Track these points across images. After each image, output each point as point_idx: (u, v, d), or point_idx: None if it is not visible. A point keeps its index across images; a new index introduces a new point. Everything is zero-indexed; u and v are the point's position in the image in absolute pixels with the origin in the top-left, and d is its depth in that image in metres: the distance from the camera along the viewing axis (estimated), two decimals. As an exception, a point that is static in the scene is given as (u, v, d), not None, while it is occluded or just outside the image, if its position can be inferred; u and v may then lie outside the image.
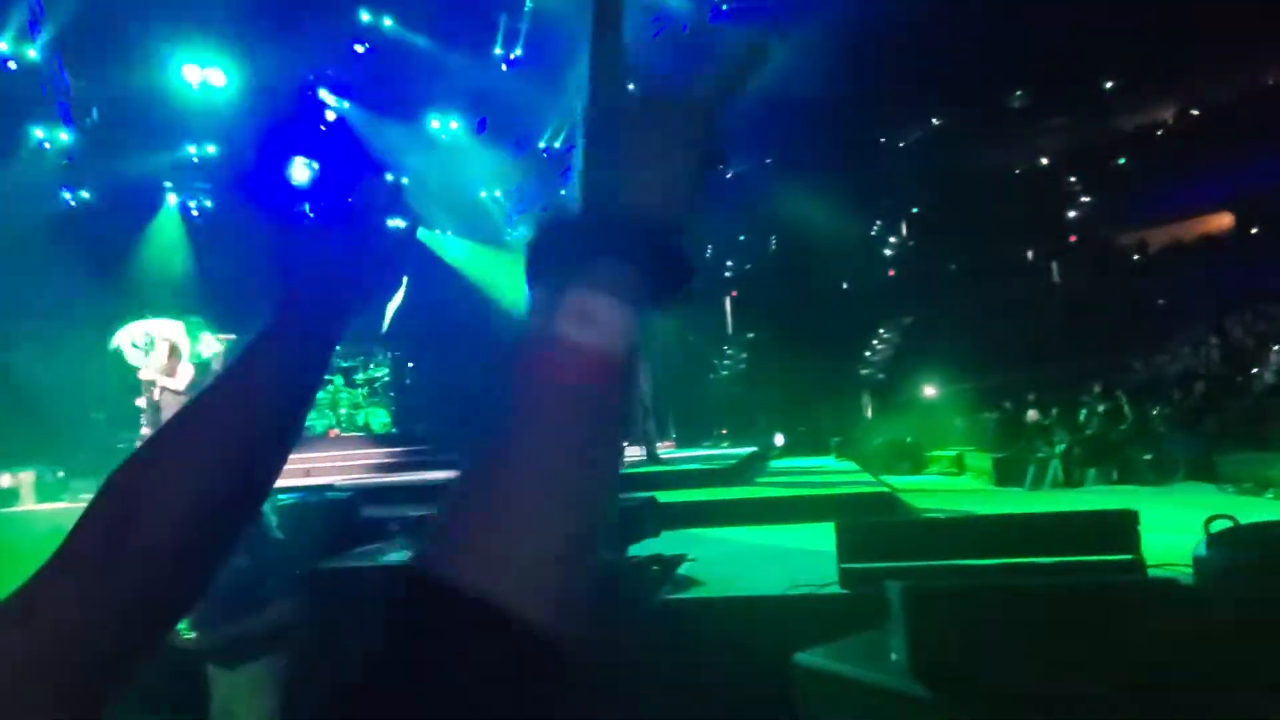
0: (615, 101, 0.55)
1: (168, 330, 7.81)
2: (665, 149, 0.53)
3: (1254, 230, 18.43)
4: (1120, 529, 3.00)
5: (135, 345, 7.77)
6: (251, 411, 0.65)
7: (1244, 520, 2.69)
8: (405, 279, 0.81)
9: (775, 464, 10.52)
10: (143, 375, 7.75)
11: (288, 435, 0.68)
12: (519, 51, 13.92)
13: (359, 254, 0.75)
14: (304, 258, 0.72)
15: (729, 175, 17.54)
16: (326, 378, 13.06)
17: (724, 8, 13.79)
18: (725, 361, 17.69)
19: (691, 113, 0.55)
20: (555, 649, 0.38)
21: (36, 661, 0.51)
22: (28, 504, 8.75)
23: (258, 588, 2.81)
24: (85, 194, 13.43)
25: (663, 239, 0.49)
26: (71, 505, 8.27)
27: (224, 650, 2.81)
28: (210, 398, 0.67)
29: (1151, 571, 2.98)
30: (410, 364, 14.28)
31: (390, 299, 0.82)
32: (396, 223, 0.84)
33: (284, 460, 0.69)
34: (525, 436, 0.43)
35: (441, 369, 13.99)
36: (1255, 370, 12.55)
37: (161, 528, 0.58)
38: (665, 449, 10.47)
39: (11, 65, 11.61)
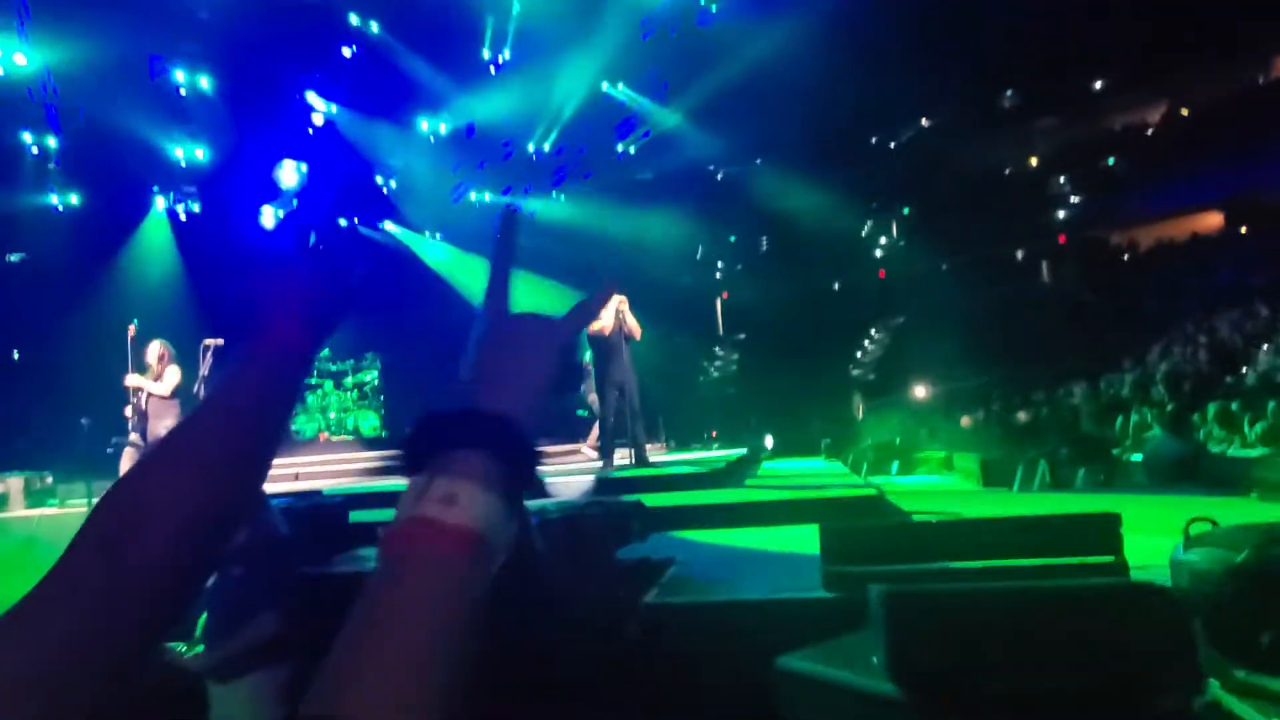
0: (498, 326, 0.67)
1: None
2: (523, 364, 0.64)
3: (1242, 229, 18.55)
4: (1102, 531, 3.01)
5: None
6: (237, 430, 0.71)
7: (1225, 522, 2.71)
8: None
9: (765, 466, 10.54)
10: (128, 382, 7.71)
11: (270, 449, 0.74)
12: (506, 55, 13.92)
13: (332, 280, 0.81)
14: (280, 284, 0.78)
15: (719, 177, 17.59)
16: (316, 382, 13.00)
17: (713, 10, 13.83)
18: (716, 362, 17.71)
19: (549, 340, 0.67)
20: None
21: (27, 680, 0.53)
22: (17, 510, 8.70)
23: (255, 599, 2.80)
24: (73, 198, 13.36)
25: (512, 433, 0.58)
26: (60, 511, 8.22)
27: (221, 665, 2.79)
28: (199, 418, 0.72)
29: (1133, 574, 3.00)
30: (400, 367, 14.26)
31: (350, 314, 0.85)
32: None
33: (267, 472, 0.75)
34: (399, 607, 0.51)
35: (431, 372, 13.97)
36: (1244, 370, 12.62)
37: (158, 542, 0.62)
38: (655, 451, 10.46)
39: (-2, 70, 11.56)
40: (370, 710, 0.45)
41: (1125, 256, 20.09)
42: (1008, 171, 20.27)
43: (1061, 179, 20.34)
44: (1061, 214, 20.47)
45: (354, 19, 13.35)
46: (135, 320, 8.02)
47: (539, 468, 0.60)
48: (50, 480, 9.57)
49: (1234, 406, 9.87)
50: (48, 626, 0.56)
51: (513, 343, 0.65)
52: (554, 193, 17.03)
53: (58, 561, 0.59)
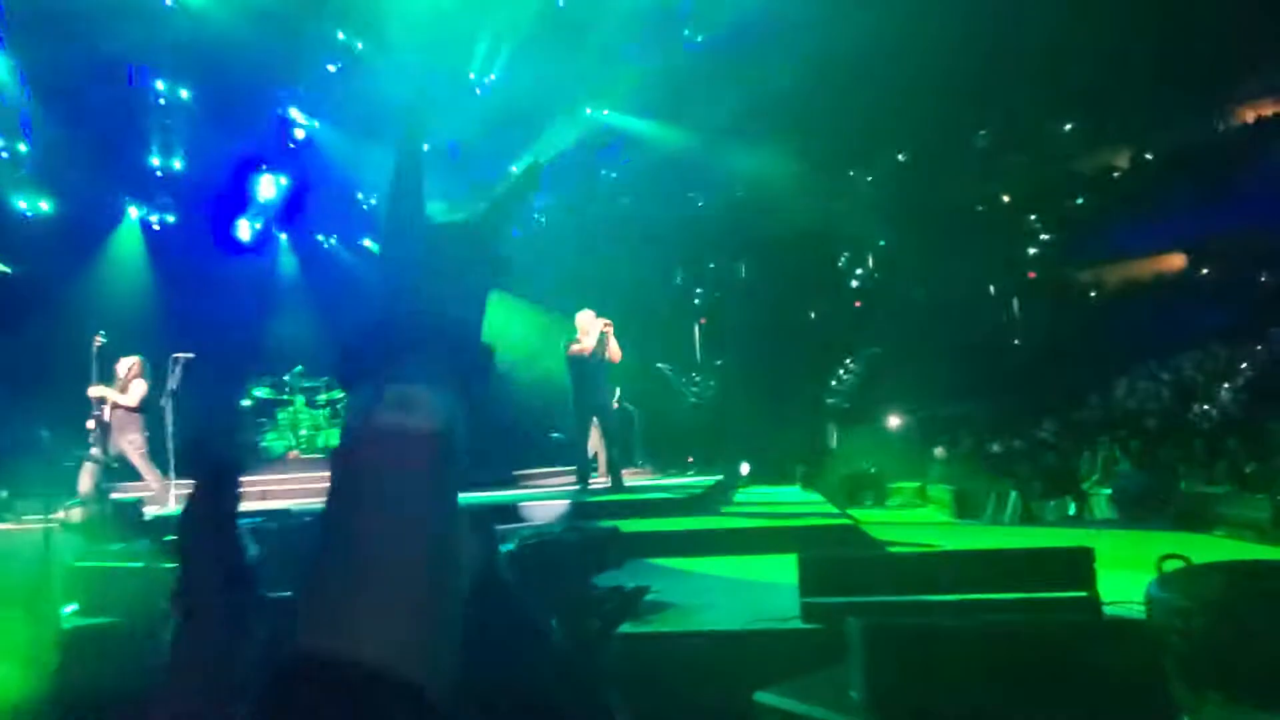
0: (414, 227, 0.67)
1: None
2: (457, 265, 0.64)
3: (1204, 271, 19.09)
4: (1076, 566, 3.04)
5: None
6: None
7: (1195, 558, 2.75)
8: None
9: (741, 493, 10.51)
10: (92, 392, 7.52)
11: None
12: (494, 76, 14.00)
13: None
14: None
15: (699, 204, 17.76)
16: (288, 398, 12.69)
17: (698, 40, 14.05)
18: (694, 388, 17.73)
19: (476, 236, 0.68)
20: (418, 698, 0.46)
21: None
22: (-33, 525, 8.39)
23: (222, 625, 2.70)
24: (44, 206, 13.09)
25: (462, 335, 0.59)
26: (15, 527, 7.95)
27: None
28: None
29: (1107, 609, 3.02)
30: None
31: None
32: None
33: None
34: (370, 520, 0.50)
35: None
36: (1205, 407, 12.92)
37: None
38: (633, 477, 10.41)
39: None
40: (365, 647, 0.46)
41: (1092, 294, 20.54)
42: (980, 208, 20.70)
43: (1032, 217, 20.81)
44: (1032, 251, 20.91)
45: (339, 35, 13.35)
46: (103, 332, 7.84)
47: (491, 365, 0.61)
48: (5, 495, 9.27)
49: (1197, 445, 10.08)
50: None
51: (441, 246, 0.66)
52: (535, 215, 17.06)
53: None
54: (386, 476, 0.51)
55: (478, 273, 0.65)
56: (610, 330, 7.03)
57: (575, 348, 7.10)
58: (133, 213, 14.26)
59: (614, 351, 7.11)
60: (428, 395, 0.54)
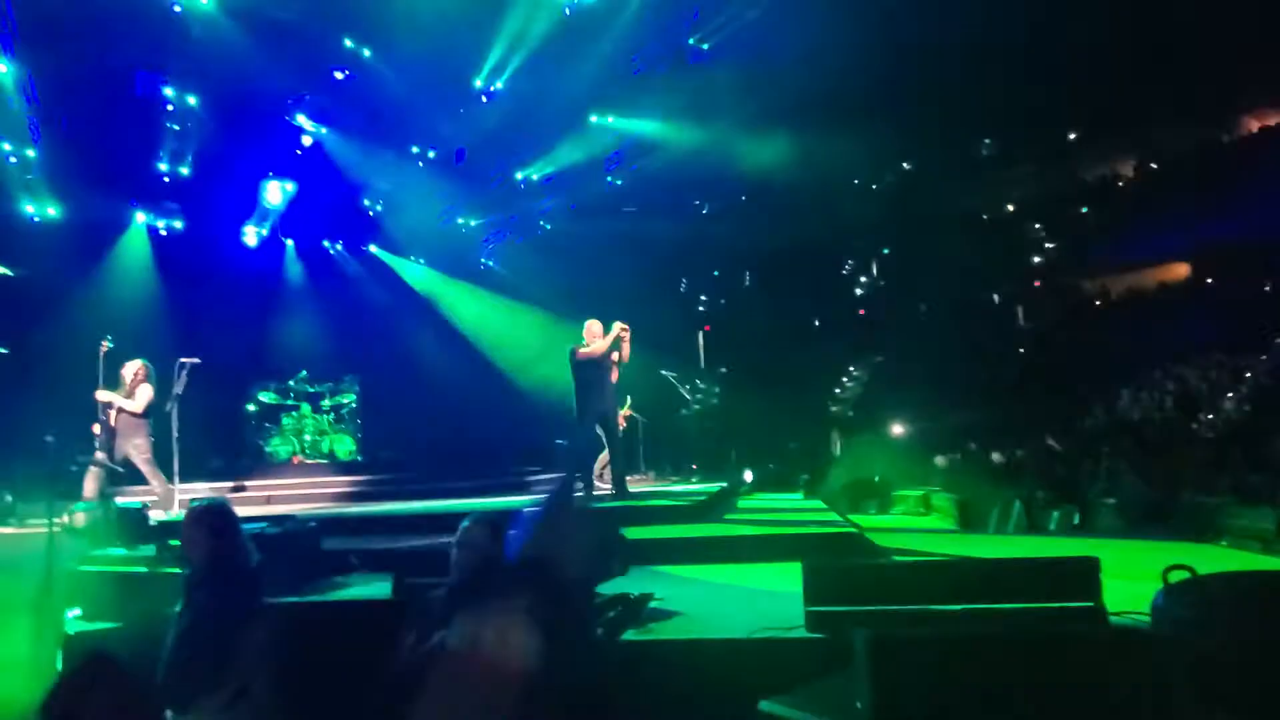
0: (563, 514, 0.84)
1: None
2: (587, 549, 0.77)
3: (1208, 280, 19.05)
4: (1081, 576, 3.03)
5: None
6: None
7: (1200, 569, 2.74)
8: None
9: (744, 501, 10.50)
10: (99, 396, 7.54)
11: None
12: (500, 83, 14.06)
13: None
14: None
15: (704, 211, 17.81)
16: (293, 403, 12.73)
17: (704, 48, 14.11)
18: (698, 395, 17.75)
19: (607, 537, 0.75)
20: None
21: None
22: (-28, 528, 8.41)
23: (224, 629, 2.71)
24: (51, 210, 13.16)
25: (566, 595, 0.69)
26: (19, 531, 7.97)
27: (183, 697, 2.70)
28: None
29: (1112, 619, 3.01)
30: (378, 390, 14.12)
31: None
32: None
33: None
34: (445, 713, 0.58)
35: (409, 396, 13.86)
36: (1209, 417, 12.88)
37: None
38: (637, 483, 10.41)
39: (-21, 79, 11.44)
40: None
41: (1097, 303, 20.52)
42: (985, 216, 20.72)
43: (1036, 225, 20.83)
44: (1036, 259, 20.92)
45: (347, 42, 13.43)
46: (109, 336, 7.87)
47: (583, 615, 0.76)
48: (10, 499, 9.29)
49: (1201, 455, 10.04)
50: None
51: (566, 524, 0.83)
52: (540, 222, 17.13)
53: None
54: (471, 687, 0.66)
55: (599, 560, 0.82)
56: (627, 335, 7.14)
57: (583, 352, 7.13)
58: (140, 218, 14.34)
59: (624, 353, 7.23)
60: (524, 633, 0.68)
